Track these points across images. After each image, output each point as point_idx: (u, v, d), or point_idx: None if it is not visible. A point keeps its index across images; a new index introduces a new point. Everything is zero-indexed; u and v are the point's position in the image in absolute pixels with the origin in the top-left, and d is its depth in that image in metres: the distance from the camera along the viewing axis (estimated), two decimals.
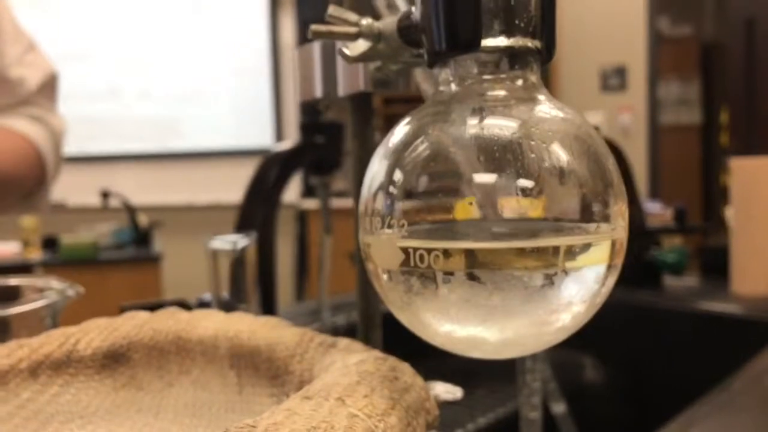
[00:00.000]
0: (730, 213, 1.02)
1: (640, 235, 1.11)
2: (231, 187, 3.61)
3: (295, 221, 3.83)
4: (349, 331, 0.94)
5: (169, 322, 0.41)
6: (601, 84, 3.97)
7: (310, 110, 0.90)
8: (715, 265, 1.12)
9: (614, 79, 3.95)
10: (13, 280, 0.56)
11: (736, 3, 4.12)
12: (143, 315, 0.41)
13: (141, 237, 3.22)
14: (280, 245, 0.88)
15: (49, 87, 0.97)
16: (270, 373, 0.38)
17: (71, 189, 3.48)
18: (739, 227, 1.00)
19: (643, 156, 3.90)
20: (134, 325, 0.40)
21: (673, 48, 5.25)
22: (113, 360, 0.40)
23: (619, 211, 0.28)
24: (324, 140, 0.90)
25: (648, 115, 3.93)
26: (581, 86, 3.93)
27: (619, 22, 3.90)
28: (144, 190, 3.96)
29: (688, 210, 1.27)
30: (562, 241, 0.26)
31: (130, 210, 3.23)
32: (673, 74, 5.35)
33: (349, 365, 0.29)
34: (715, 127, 5.24)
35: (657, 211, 2.82)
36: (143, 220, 3.30)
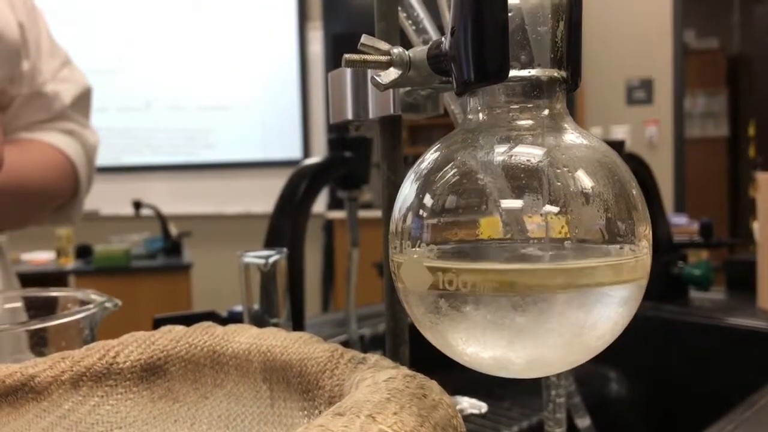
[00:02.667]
0: (756, 227, 1.02)
1: (666, 249, 1.11)
2: (259, 197, 3.67)
3: (321, 231, 3.86)
4: (375, 342, 0.96)
5: (205, 336, 0.42)
6: (627, 97, 3.95)
7: (337, 125, 0.91)
8: (741, 279, 1.12)
9: (640, 92, 3.93)
10: (54, 292, 0.57)
11: (763, 16, 4.08)
12: (180, 329, 0.43)
13: (172, 246, 3.27)
14: (307, 255, 0.90)
15: (82, 101, 0.99)
16: (301, 387, 0.39)
17: (104, 199, 3.55)
18: (766, 242, 0.99)
19: (669, 169, 3.87)
20: (171, 338, 0.42)
21: (699, 61, 5.22)
22: (151, 372, 0.41)
23: (644, 234, 0.29)
24: (352, 155, 0.91)
25: (674, 127, 3.91)
26: (607, 99, 3.92)
27: (645, 35, 3.89)
28: (175, 200, 4.01)
29: (715, 223, 1.26)
30: (587, 263, 0.27)
31: (162, 220, 3.28)
32: (699, 87, 5.32)
33: (379, 382, 0.30)
34: (742, 140, 5.19)
35: (683, 225, 2.80)
36: (174, 229, 3.34)
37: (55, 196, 0.95)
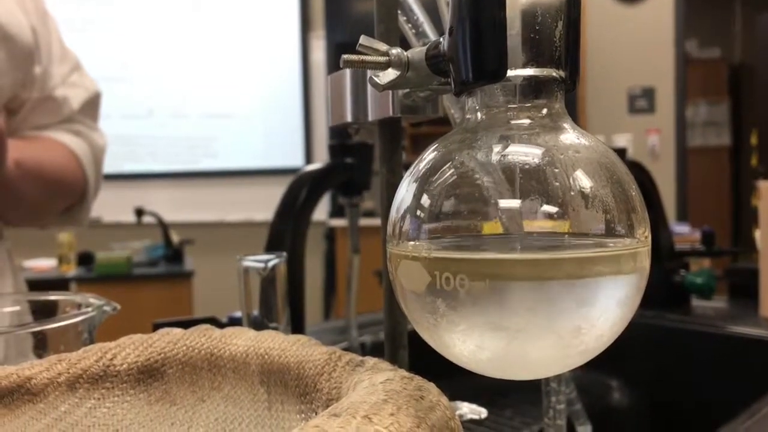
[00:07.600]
0: (759, 236, 1.02)
1: (669, 257, 1.11)
2: (261, 205, 3.67)
3: (323, 239, 3.86)
4: (376, 349, 0.95)
5: (202, 339, 0.42)
6: (629, 105, 3.95)
7: (339, 132, 0.91)
8: (743, 287, 1.11)
9: (642, 101, 3.93)
10: (53, 296, 0.57)
11: (765, 25, 4.09)
12: (177, 332, 0.42)
13: (173, 254, 3.27)
14: (308, 262, 0.90)
15: (91, 105, 1.00)
16: (299, 390, 0.38)
17: (107, 206, 3.55)
18: None
19: (671, 178, 3.87)
20: (169, 341, 0.42)
21: (701, 70, 5.23)
22: (148, 375, 0.41)
23: (643, 235, 0.29)
24: (353, 161, 0.91)
25: (676, 136, 3.90)
26: (609, 108, 3.92)
27: (647, 44, 3.89)
28: (177, 207, 4.02)
29: (718, 232, 1.26)
30: (586, 253, 0.27)
31: (164, 227, 3.28)
32: (701, 96, 5.32)
33: (376, 384, 0.30)
34: (744, 149, 5.20)
35: (685, 234, 2.80)
36: (176, 237, 3.34)
37: (67, 188, 0.95)
